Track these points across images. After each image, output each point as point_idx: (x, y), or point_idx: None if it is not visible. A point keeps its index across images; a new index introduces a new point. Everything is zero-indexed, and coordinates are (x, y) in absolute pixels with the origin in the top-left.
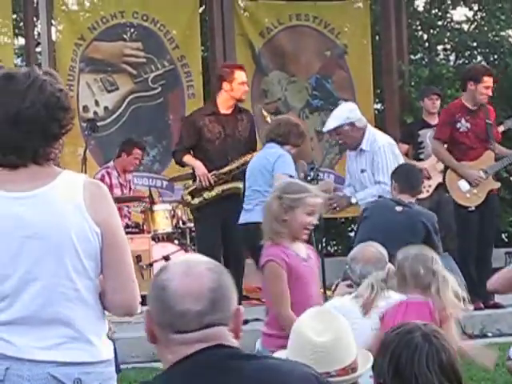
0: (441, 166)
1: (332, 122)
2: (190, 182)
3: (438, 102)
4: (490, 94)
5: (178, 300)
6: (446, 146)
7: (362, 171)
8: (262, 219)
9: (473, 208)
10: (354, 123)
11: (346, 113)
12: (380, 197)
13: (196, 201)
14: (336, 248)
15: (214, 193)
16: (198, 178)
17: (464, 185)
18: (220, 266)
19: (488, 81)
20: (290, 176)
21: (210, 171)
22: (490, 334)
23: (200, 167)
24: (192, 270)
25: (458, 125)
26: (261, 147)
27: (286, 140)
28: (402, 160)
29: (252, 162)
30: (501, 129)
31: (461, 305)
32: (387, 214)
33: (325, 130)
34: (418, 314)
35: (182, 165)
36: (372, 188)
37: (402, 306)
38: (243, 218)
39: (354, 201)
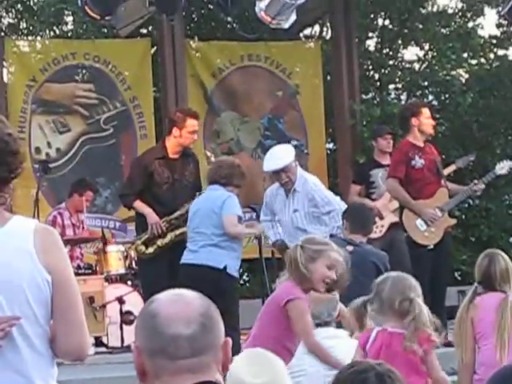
0: (393, 206)
1: (281, 161)
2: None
3: (392, 142)
4: (433, 123)
5: (170, 324)
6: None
7: (295, 211)
8: (287, 265)
9: (431, 246)
10: (295, 162)
11: (290, 152)
12: (332, 236)
13: (151, 250)
14: None
15: (167, 239)
16: (150, 226)
17: (421, 223)
18: (206, 297)
19: (427, 111)
20: (239, 217)
21: (160, 214)
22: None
23: (151, 215)
24: (181, 297)
25: (413, 162)
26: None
27: (229, 181)
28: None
29: (196, 204)
30: (452, 168)
31: (437, 334)
32: None
33: (272, 168)
34: (400, 344)
35: (130, 209)
36: (327, 223)
37: (383, 334)
38: (187, 258)
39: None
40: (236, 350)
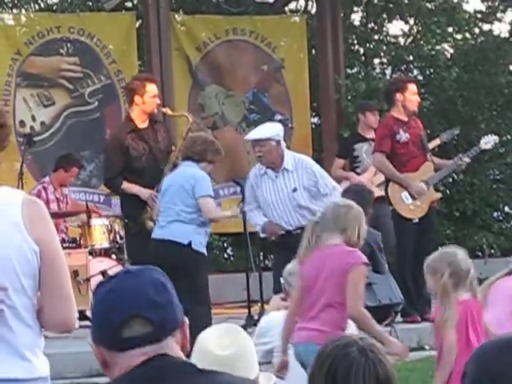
0: (378, 180)
1: (262, 133)
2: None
3: (378, 117)
4: (419, 99)
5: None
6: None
7: (294, 190)
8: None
9: (417, 220)
10: (280, 142)
11: (277, 130)
12: None
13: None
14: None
15: None
16: (147, 201)
17: (407, 197)
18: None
19: (413, 87)
20: (211, 196)
21: (146, 186)
22: (427, 347)
23: (142, 191)
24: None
25: (398, 136)
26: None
27: (203, 157)
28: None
29: (168, 180)
30: (437, 142)
31: None
32: None
33: (251, 137)
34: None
35: (119, 192)
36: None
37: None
38: (157, 233)
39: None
40: (206, 322)
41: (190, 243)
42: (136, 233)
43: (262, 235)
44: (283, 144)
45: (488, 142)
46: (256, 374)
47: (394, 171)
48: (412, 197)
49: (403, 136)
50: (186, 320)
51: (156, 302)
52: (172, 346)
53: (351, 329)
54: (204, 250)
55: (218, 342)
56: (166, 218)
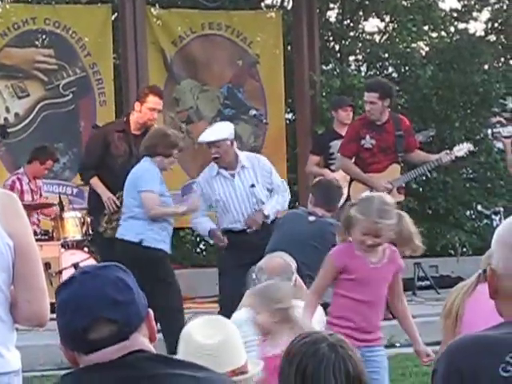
0: None
1: (217, 134)
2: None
3: (351, 114)
4: (367, 108)
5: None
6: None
7: (253, 186)
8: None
9: None
10: (233, 141)
11: (230, 129)
12: (294, 207)
13: (114, 224)
14: None
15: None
16: (104, 203)
17: None
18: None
19: (365, 95)
20: (152, 191)
21: (113, 187)
22: (398, 344)
23: (104, 192)
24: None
25: (363, 141)
26: None
27: (153, 151)
28: None
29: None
30: None
31: None
32: (298, 223)
33: (205, 139)
34: None
35: (87, 184)
36: (274, 196)
37: None
38: (117, 232)
39: (266, 212)
40: (178, 318)
41: (141, 241)
42: (96, 232)
43: (211, 241)
44: (235, 143)
45: (461, 149)
46: (244, 360)
47: (358, 171)
48: None
49: (368, 142)
50: (150, 311)
51: (117, 301)
52: (140, 341)
53: (318, 314)
54: (161, 246)
55: (204, 332)
56: (123, 216)
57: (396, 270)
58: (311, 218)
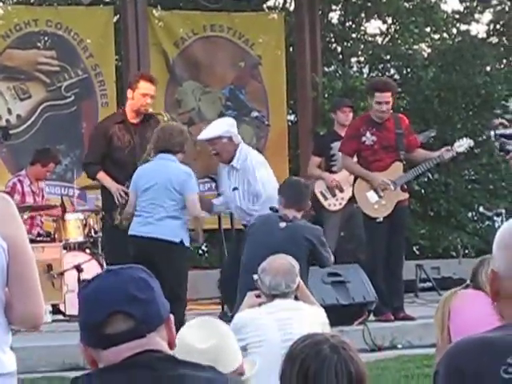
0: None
1: (211, 132)
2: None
3: (351, 115)
4: (384, 109)
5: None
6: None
7: (234, 189)
8: None
9: (381, 219)
10: (231, 137)
11: (226, 126)
12: (271, 209)
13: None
14: None
15: None
16: (114, 196)
17: (372, 196)
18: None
19: (379, 96)
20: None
21: (120, 177)
22: (399, 346)
23: (112, 185)
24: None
25: (363, 138)
26: None
27: (182, 149)
28: (273, 176)
29: (150, 176)
30: None
31: None
32: (270, 230)
33: (201, 138)
34: None
35: (94, 179)
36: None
37: None
38: (141, 231)
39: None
40: (180, 318)
41: (181, 241)
42: (111, 227)
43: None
44: (237, 139)
45: (461, 145)
46: (239, 362)
47: (358, 168)
48: (378, 195)
49: (369, 139)
50: (171, 316)
51: (136, 297)
52: (157, 342)
53: (319, 316)
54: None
55: (198, 336)
56: (152, 215)
57: None
58: (282, 225)
